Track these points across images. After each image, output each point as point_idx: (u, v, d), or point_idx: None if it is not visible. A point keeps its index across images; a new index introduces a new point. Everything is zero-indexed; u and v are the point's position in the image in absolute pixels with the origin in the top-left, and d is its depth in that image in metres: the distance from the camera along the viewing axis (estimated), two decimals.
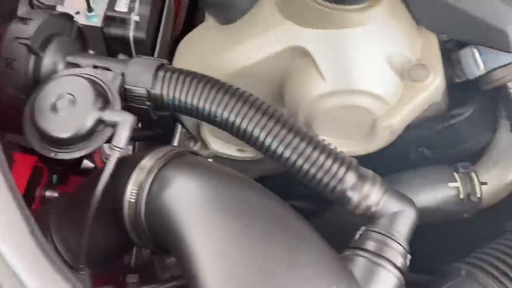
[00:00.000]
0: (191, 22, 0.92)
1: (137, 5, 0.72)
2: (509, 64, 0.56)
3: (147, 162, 0.52)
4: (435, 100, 0.55)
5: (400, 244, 0.49)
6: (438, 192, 0.61)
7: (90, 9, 0.68)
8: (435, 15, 0.55)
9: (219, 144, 0.72)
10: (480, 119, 0.63)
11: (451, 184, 0.60)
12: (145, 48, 0.74)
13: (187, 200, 0.50)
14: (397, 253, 0.48)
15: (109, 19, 0.70)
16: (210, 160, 0.62)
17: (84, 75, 0.51)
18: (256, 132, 0.51)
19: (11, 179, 0.43)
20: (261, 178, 0.76)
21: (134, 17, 0.71)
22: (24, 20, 0.53)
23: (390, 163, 0.62)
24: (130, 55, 0.74)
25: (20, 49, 0.51)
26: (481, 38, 0.54)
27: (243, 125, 0.51)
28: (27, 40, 0.51)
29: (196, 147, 0.76)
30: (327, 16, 0.52)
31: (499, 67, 0.56)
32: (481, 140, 0.64)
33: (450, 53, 0.59)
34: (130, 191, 0.51)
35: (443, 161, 0.66)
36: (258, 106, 0.51)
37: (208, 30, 0.63)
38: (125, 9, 0.72)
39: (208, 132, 0.70)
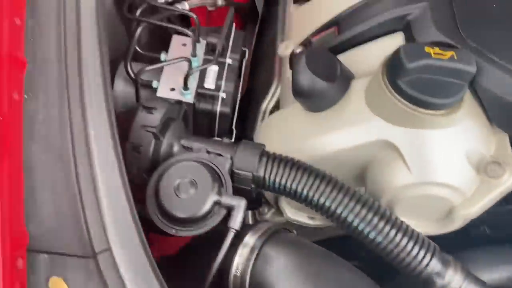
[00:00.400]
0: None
1: (223, 82, 0.80)
2: None
3: (250, 239, 0.59)
4: (507, 192, 0.62)
5: None
6: (502, 272, 0.67)
7: (186, 87, 0.76)
8: (507, 116, 0.62)
9: (293, 212, 0.78)
10: None
11: None
12: (227, 119, 0.82)
13: (288, 277, 0.57)
14: None
15: (200, 96, 0.78)
16: (295, 233, 0.68)
17: (202, 161, 0.58)
18: (350, 218, 0.57)
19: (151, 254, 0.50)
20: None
21: (222, 94, 0.79)
22: (149, 109, 0.60)
23: (450, 239, 0.68)
24: (214, 126, 0.82)
25: (147, 136, 0.59)
26: None
27: (338, 211, 0.58)
28: (154, 129, 0.59)
29: (270, 213, 0.83)
30: (415, 118, 0.59)
31: None
32: None
33: None
34: (236, 266, 0.58)
35: (503, 240, 0.72)
36: (351, 194, 0.58)
37: (295, 115, 0.70)
38: (212, 86, 0.79)
39: (285, 203, 0.76)
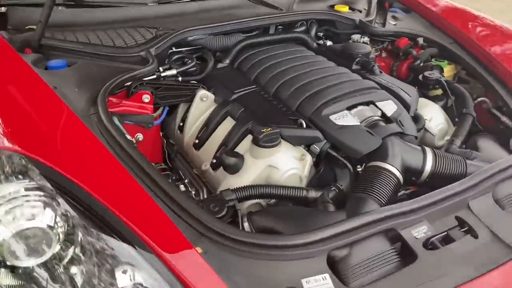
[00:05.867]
0: None
1: None
2: None
3: (244, 215, 1.51)
4: (312, 162, 1.70)
5: None
6: None
7: None
8: (301, 141, 1.74)
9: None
10: None
11: None
12: None
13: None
14: None
15: None
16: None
17: None
18: (277, 192, 1.55)
19: None
20: None
21: None
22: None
23: None
24: None
25: None
26: None
27: (272, 192, 1.55)
28: None
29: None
30: (270, 152, 1.65)
31: None
32: None
33: None
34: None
35: None
36: (269, 186, 1.56)
37: (230, 178, 1.68)
38: None
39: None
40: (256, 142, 1.65)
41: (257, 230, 1.47)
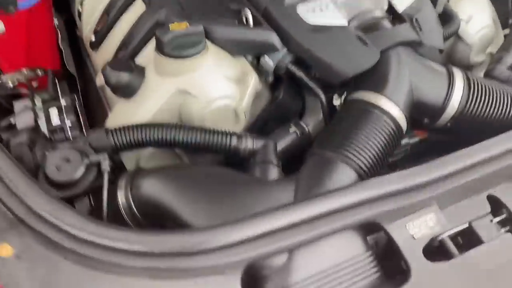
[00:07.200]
0: None
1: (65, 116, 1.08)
2: None
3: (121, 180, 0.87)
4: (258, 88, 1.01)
5: None
6: None
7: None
8: (239, 47, 1.02)
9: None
10: None
11: None
12: None
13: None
14: None
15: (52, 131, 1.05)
16: None
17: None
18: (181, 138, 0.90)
19: None
20: None
21: (68, 124, 1.07)
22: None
23: None
24: None
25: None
26: None
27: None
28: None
29: None
30: (185, 66, 0.95)
31: None
32: None
33: None
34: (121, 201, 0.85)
35: None
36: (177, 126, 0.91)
37: (124, 104, 1.01)
38: (58, 122, 1.07)
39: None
40: (160, 47, 0.95)
41: (139, 205, 0.86)
